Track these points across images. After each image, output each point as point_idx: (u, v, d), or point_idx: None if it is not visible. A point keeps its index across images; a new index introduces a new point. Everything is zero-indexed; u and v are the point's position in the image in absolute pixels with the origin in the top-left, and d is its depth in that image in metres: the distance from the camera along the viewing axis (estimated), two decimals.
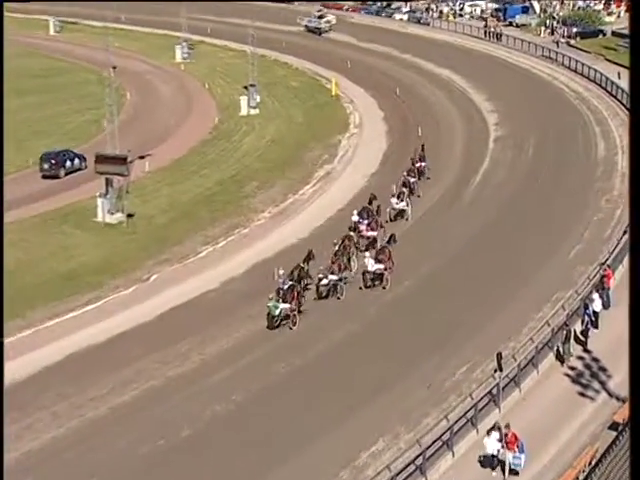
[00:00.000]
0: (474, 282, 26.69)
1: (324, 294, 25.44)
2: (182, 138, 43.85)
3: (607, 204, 33.01)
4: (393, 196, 31.76)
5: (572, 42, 63.43)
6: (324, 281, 25.32)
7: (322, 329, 23.99)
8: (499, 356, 20.74)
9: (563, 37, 64.24)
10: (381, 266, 25.85)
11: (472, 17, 75.29)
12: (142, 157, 38.64)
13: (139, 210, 33.09)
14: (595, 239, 29.75)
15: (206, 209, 33.97)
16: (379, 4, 78.81)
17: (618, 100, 46.91)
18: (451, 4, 77.56)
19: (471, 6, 76.78)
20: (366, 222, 29.14)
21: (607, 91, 49.49)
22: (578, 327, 23.00)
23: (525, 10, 72.53)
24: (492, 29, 67.15)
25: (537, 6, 72.96)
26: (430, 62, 58.94)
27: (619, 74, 47.96)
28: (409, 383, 21.02)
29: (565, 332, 21.90)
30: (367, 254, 26.56)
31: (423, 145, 37.22)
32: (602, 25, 67.05)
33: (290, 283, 24.15)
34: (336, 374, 21.67)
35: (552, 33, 66.03)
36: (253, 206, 34.34)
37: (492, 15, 73.42)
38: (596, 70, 52.34)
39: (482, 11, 75.56)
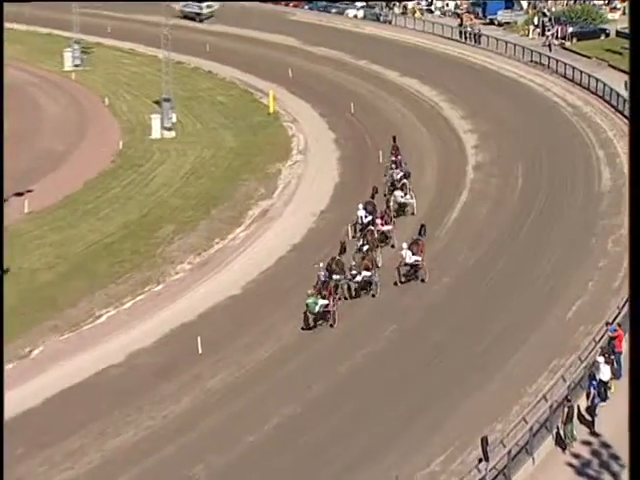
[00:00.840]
0: (450, 347, 27.11)
1: (356, 292, 29.79)
2: (74, 168, 43.83)
3: (615, 246, 33.96)
4: (396, 189, 36.92)
5: (568, 44, 65.45)
6: (357, 278, 29.60)
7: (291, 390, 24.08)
8: (484, 442, 20.99)
9: (557, 38, 66.13)
10: (418, 258, 30.69)
11: (444, 14, 77.35)
12: (20, 194, 38.51)
13: (16, 264, 32.78)
14: (601, 291, 30.52)
15: (107, 261, 33.91)
16: None
17: (625, 116, 48.44)
18: None
19: None
20: (379, 216, 33.73)
21: (612, 105, 50.97)
22: (583, 403, 23.52)
23: (509, 5, 74.15)
24: (469, 28, 68.96)
25: (524, 0, 75.20)
26: (392, 70, 60.23)
27: (626, 84, 49.62)
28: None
29: (566, 409, 22.31)
30: (404, 245, 31.06)
31: (395, 137, 41.28)
32: (604, 23, 69.28)
33: (328, 278, 28.26)
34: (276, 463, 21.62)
35: (543, 33, 67.86)
36: (169, 256, 34.40)
37: (469, 11, 75.23)
38: (598, 79, 53.92)
39: (456, 6, 77.56)
